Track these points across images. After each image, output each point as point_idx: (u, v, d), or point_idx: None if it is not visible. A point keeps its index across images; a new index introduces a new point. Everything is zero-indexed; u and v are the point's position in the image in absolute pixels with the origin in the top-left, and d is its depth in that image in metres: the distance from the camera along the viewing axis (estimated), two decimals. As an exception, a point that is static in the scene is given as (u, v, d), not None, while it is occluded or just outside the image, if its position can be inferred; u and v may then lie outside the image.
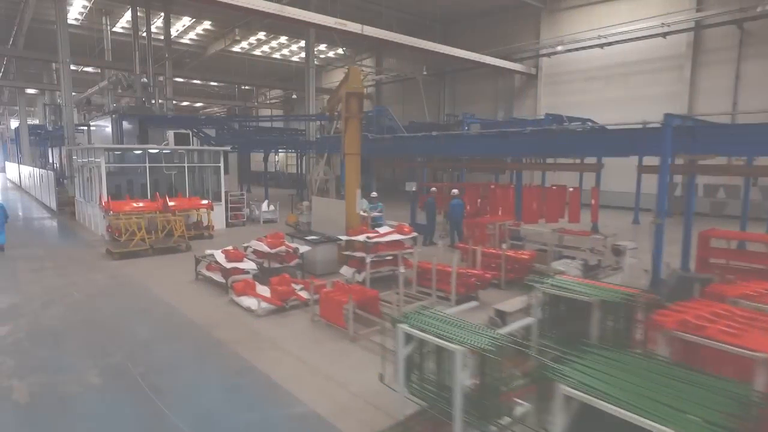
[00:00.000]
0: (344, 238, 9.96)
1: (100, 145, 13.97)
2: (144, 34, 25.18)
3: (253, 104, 47.66)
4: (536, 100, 28.15)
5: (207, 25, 32.10)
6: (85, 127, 28.29)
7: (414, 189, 16.57)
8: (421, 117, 29.85)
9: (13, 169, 43.08)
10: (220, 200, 16.45)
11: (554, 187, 14.68)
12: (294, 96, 43.86)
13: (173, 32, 33.04)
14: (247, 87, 48.48)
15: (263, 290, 8.42)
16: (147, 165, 14.95)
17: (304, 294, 8.24)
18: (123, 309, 8.16)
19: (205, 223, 14.81)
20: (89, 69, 39.39)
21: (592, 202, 14.76)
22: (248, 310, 7.88)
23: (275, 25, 29.70)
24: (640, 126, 9.09)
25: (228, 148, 17.63)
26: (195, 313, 7.87)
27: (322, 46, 38.00)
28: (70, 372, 5.80)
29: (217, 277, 9.37)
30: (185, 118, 22.11)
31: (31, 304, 8.37)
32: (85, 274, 10.31)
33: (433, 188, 14.08)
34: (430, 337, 3.97)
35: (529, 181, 27.01)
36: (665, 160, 8.24)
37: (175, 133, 15.66)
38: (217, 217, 15.65)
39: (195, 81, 43.39)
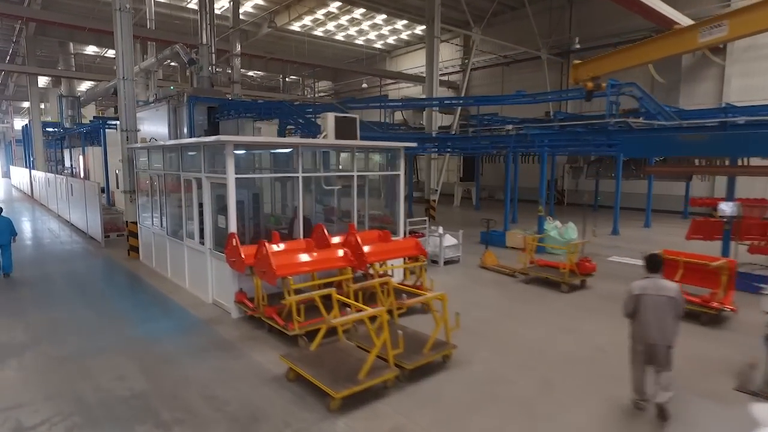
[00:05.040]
0: None
1: (228, 137, 7.10)
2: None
3: (302, 97, 40.77)
4: (721, 83, 21.30)
5: (272, -9, 25.30)
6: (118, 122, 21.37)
7: (732, 213, 9.71)
8: (529, 110, 22.70)
9: (21, 175, 36.15)
10: (396, 232, 9.60)
11: None
12: (365, 84, 36.90)
13: (225, 3, 26.31)
14: (292, 78, 41.77)
15: None
16: (300, 175, 8.07)
17: None
18: None
19: (412, 282, 7.94)
20: (112, 54, 32.58)
21: None
22: None
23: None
24: None
25: (414, 144, 10.76)
26: None
27: (400, 24, 31.25)
28: None
29: None
30: (284, 105, 15.15)
31: None
32: None
33: None
34: None
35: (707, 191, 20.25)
36: None
37: (337, 117, 8.78)
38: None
39: (227, 70, 36.57)
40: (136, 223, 11.99)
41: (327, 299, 6.02)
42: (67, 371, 5.71)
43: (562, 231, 13.04)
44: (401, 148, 9.60)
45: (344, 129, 8.99)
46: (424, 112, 24.45)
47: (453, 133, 19.02)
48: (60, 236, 15.70)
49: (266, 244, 6.41)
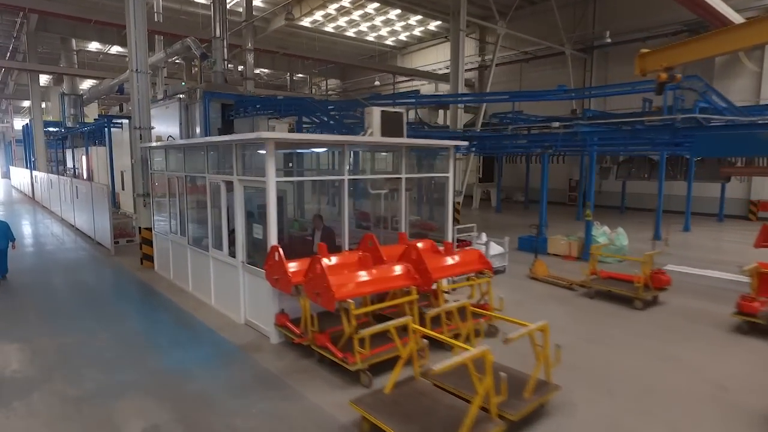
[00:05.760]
0: None
1: (269, 134, 6.07)
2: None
3: (311, 95, 39.73)
4: (758, 80, 20.25)
5: (283, -16, 24.27)
6: (125, 120, 20.36)
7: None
8: (553, 108, 21.50)
9: (21, 176, 35.09)
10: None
11: None
12: (377, 82, 35.84)
13: (235, -2, 25.25)
14: (298, 76, 40.77)
15: None
16: (346, 177, 7.05)
17: None
18: None
19: (476, 299, 6.90)
20: (115, 50, 31.51)
21: None
22: None
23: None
24: None
25: (465, 143, 9.71)
26: None
27: (413, 20, 30.20)
28: None
29: None
30: (306, 101, 14.16)
31: None
32: None
33: None
34: None
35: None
36: None
37: (384, 113, 7.78)
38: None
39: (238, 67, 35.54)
40: (150, 229, 10.96)
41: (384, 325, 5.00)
42: (86, 419, 4.67)
43: (612, 237, 12.02)
44: (452, 147, 8.57)
45: (391, 126, 7.96)
46: (444, 110, 23.42)
47: (477, 131, 17.99)
48: (65, 242, 14.66)
49: (321, 260, 5.37)
